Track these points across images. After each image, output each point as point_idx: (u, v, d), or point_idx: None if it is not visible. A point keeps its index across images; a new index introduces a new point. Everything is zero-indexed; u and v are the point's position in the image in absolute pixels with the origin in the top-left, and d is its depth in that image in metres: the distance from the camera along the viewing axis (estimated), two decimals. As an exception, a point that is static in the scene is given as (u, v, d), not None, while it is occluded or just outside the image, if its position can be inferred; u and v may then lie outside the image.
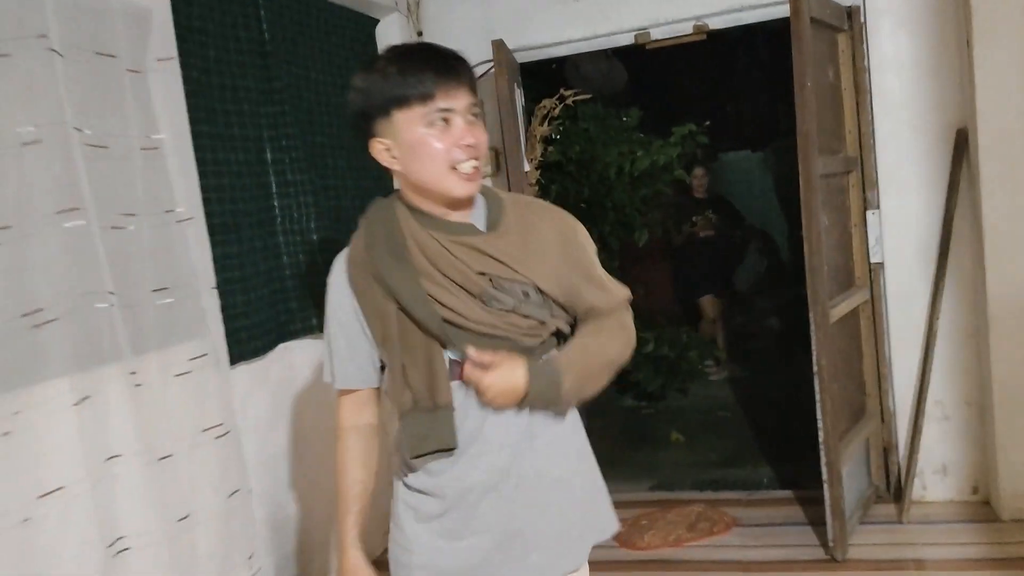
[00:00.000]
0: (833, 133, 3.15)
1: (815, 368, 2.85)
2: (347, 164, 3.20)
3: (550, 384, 1.46)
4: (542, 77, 4.67)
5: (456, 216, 1.48)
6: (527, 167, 3.31)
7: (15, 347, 1.78)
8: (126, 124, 2.11)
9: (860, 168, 3.28)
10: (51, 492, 1.85)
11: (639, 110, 5.13)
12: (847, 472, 3.06)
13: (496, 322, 1.44)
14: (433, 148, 1.39)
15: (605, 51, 4.37)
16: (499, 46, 3.14)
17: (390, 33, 3.54)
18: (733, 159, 7.66)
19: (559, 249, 1.50)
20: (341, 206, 3.10)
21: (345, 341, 1.53)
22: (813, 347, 2.84)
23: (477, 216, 1.51)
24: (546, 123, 3.34)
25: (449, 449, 1.47)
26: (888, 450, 3.42)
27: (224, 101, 2.58)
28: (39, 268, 1.82)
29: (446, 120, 1.39)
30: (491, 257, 1.45)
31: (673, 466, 4.20)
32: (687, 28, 3.43)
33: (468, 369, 1.44)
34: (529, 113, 3.75)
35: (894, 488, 3.38)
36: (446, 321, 1.44)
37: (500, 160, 3.44)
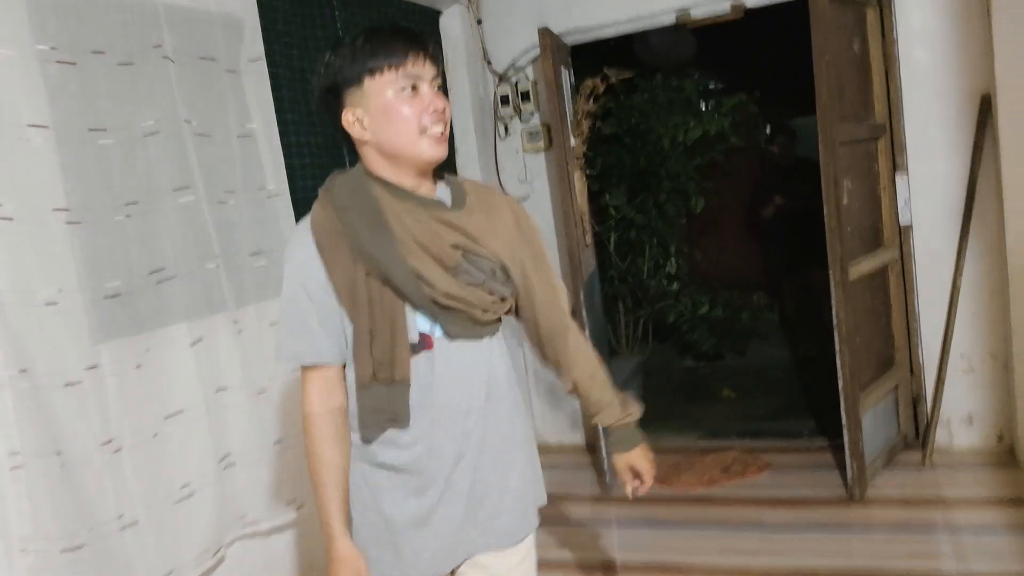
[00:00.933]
0: (861, 102, 3.36)
1: (834, 322, 3.11)
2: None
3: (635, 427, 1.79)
4: (600, 55, 4.96)
5: (424, 191, 1.54)
6: (573, 142, 3.64)
7: (145, 298, 2.25)
8: (226, 116, 2.56)
9: (890, 134, 3.49)
10: (175, 414, 2.33)
11: (696, 81, 5.35)
12: (872, 420, 3.32)
13: (461, 294, 1.49)
14: (404, 112, 1.45)
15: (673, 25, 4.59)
16: (544, 33, 3.46)
17: (453, 23, 3.90)
18: (803, 123, 7.75)
19: (516, 232, 1.60)
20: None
21: (317, 315, 1.50)
22: (833, 303, 3.10)
23: (442, 195, 1.58)
24: (591, 100, 3.65)
25: (400, 424, 1.51)
26: (917, 401, 3.64)
27: (305, 92, 3.00)
28: (162, 235, 2.29)
29: (415, 88, 1.46)
30: (463, 232, 1.51)
31: (721, 419, 4.49)
32: (725, 7, 3.68)
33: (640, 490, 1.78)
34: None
35: (922, 437, 3.61)
36: None
37: (551, 135, 3.78)
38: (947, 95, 3.38)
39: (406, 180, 1.51)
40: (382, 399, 1.50)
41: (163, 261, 2.30)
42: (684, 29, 5.54)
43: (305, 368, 1.55)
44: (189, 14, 2.46)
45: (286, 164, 2.86)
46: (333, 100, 1.51)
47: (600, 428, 1.76)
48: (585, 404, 1.77)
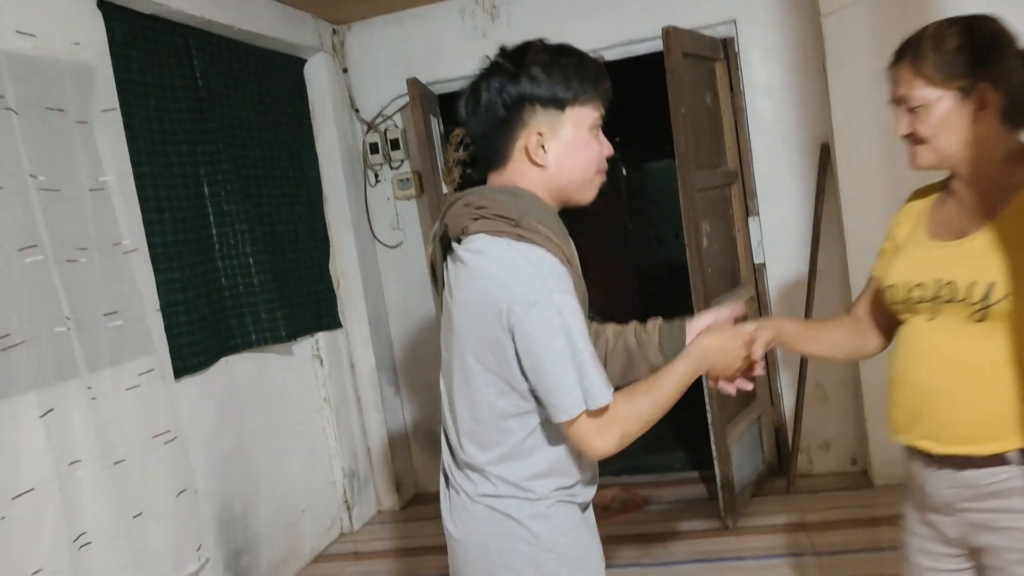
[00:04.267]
0: (714, 150, 3.56)
1: (701, 358, 3.24)
2: (280, 193, 3.52)
3: None
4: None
5: None
6: (445, 189, 3.66)
7: (-13, 368, 2.07)
8: (76, 169, 2.41)
9: (742, 180, 3.71)
10: (24, 493, 2.14)
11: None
12: (739, 451, 3.47)
13: None
14: (593, 151, 1.43)
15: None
16: (413, 83, 3.49)
17: (318, 72, 3.87)
18: (656, 168, 8.14)
19: None
20: (274, 231, 3.42)
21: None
22: (698, 340, 3.23)
23: None
24: (460, 148, 3.69)
25: None
26: (779, 430, 3.84)
27: (163, 143, 2.88)
28: (6, 298, 2.12)
29: (599, 128, 1.46)
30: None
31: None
32: (585, 59, 3.82)
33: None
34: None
35: (786, 464, 3.80)
36: None
37: (422, 183, 3.79)
38: (791, 143, 3.64)
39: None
40: None
41: (7, 326, 2.12)
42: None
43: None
44: (34, 63, 2.32)
45: (144, 219, 2.73)
46: (518, 112, 1.39)
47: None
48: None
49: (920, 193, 1.64)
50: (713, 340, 1.53)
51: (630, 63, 3.79)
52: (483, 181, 1.49)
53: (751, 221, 3.71)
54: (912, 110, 1.43)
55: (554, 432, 1.41)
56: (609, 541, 3.43)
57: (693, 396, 3.25)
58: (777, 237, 3.72)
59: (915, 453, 1.52)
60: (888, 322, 1.63)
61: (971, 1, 1.98)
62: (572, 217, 1.49)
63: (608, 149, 1.46)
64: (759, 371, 1.62)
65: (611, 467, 4.31)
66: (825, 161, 3.57)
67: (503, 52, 1.43)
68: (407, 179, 4.00)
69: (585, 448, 1.37)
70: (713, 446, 3.30)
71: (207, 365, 3.01)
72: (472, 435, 1.44)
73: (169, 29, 2.95)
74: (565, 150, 1.40)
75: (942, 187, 1.57)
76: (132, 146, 2.69)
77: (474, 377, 1.40)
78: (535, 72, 1.37)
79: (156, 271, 2.75)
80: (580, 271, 1.43)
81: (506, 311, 1.31)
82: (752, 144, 3.68)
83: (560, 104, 1.38)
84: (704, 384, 3.25)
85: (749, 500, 3.53)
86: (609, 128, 1.48)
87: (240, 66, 3.34)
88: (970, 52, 1.38)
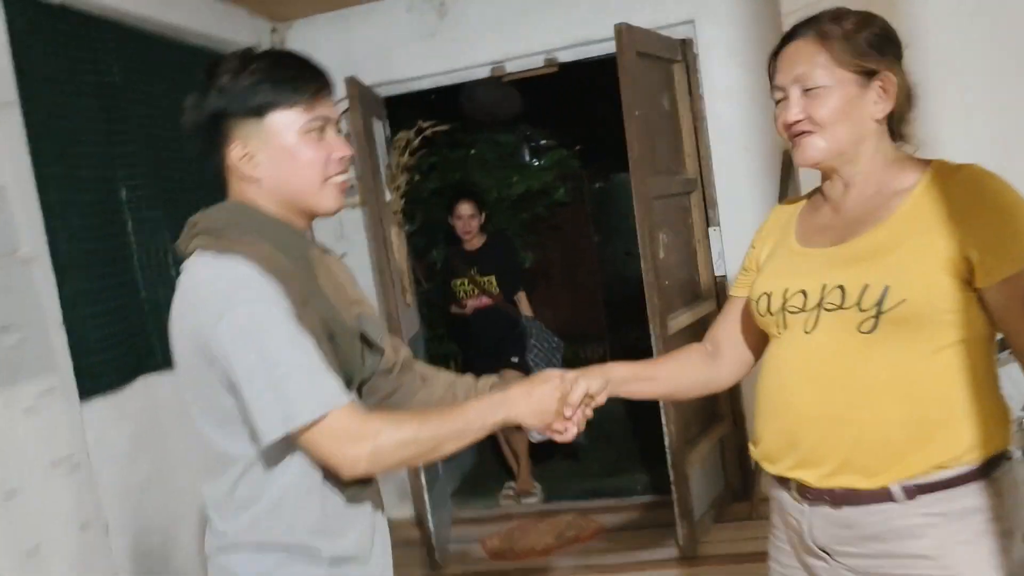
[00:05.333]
0: (672, 156, 3.39)
1: (657, 377, 3.04)
2: (211, 200, 3.27)
3: None
4: (427, 106, 4.83)
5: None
6: (389, 197, 3.46)
7: None
8: (-39, 169, 2.17)
9: (702, 188, 3.54)
10: None
11: (521, 135, 5.35)
12: (700, 475, 3.27)
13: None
14: (310, 156, 1.30)
15: (498, 78, 4.56)
16: (352, 83, 3.28)
17: (254, 71, 3.64)
18: (623, 179, 7.99)
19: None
20: (202, 240, 3.18)
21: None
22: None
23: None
24: (407, 154, 3.49)
25: None
26: (742, 451, 3.66)
27: (72, 143, 2.63)
28: None
29: (321, 130, 1.32)
30: (358, 287, 1.47)
31: (558, 479, 4.36)
32: (539, 61, 3.64)
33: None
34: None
35: (749, 487, 3.61)
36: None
37: (362, 191, 3.58)
38: (752, 150, 3.48)
39: (298, 223, 1.35)
40: None
41: None
42: (509, 85, 5.59)
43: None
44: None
45: (46, 225, 2.48)
46: (216, 127, 1.30)
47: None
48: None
49: (780, 211, 1.53)
50: (520, 388, 1.41)
51: (592, 69, 3.62)
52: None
53: (711, 231, 3.54)
54: (808, 92, 1.28)
55: (288, 470, 1.24)
56: (564, 572, 3.27)
57: (653, 416, 2.95)
58: (739, 248, 3.49)
59: (788, 485, 1.33)
60: (754, 343, 1.47)
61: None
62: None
63: (341, 150, 1.33)
64: (573, 424, 1.47)
65: (567, 491, 4.11)
66: (788, 169, 3.41)
67: (205, 66, 1.34)
68: (352, 186, 3.79)
69: (328, 463, 1.21)
70: (671, 471, 3.10)
71: (121, 385, 2.76)
72: (205, 476, 1.30)
73: (80, 20, 2.72)
74: (276, 159, 1.29)
75: (808, 197, 1.46)
76: (34, 145, 2.45)
77: (192, 410, 1.28)
78: (224, 83, 1.28)
79: (60, 283, 2.50)
80: (324, 284, 1.31)
81: (198, 330, 1.21)
82: (712, 151, 3.52)
83: (258, 112, 1.28)
84: (661, 405, 3.07)
85: (710, 527, 3.34)
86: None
87: (164, 63, 3.11)
88: (877, 35, 1.28)
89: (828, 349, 1.26)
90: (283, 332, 1.18)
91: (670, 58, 3.39)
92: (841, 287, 1.24)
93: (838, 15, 1.31)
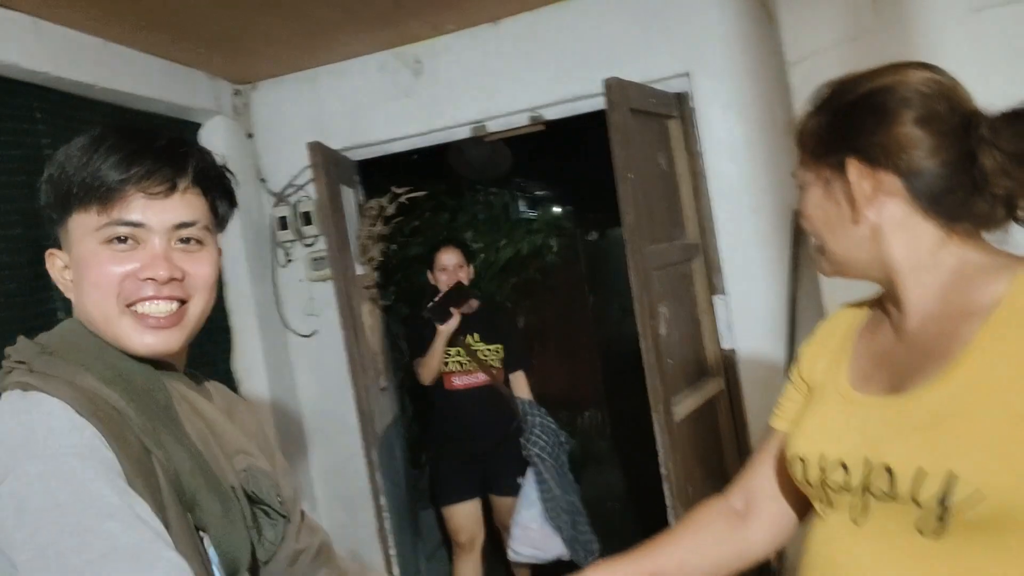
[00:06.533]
0: (671, 220, 3.09)
1: (663, 472, 2.70)
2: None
3: None
4: (411, 169, 4.55)
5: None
6: (360, 270, 3.14)
7: None
8: None
9: (704, 254, 3.22)
10: None
11: (512, 194, 5.07)
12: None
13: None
14: (96, 275, 0.98)
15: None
16: (316, 148, 2.99)
17: (215, 138, 3.35)
18: (618, 234, 7.72)
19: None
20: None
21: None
22: (659, 451, 2.69)
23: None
24: (379, 222, 3.19)
25: None
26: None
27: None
28: None
29: (132, 239, 0.99)
30: (242, 435, 1.11)
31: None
32: (523, 119, 3.36)
33: None
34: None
35: (769, 582, 3.23)
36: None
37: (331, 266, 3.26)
38: (759, 211, 3.17)
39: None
40: None
41: None
42: (498, 141, 5.34)
43: None
44: None
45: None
46: (48, 234, 1.06)
47: None
48: None
49: (841, 317, 1.15)
50: None
51: (584, 123, 3.33)
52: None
53: (717, 300, 3.21)
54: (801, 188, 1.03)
55: None
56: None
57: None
58: (748, 318, 3.21)
59: None
60: (800, 498, 1.11)
61: (949, 44, 1.65)
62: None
63: (152, 268, 0.97)
64: None
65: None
66: (799, 230, 3.10)
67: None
68: (322, 258, 3.48)
69: None
70: None
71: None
72: None
73: (6, 88, 2.43)
74: (76, 275, 1.00)
75: (877, 303, 1.08)
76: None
77: None
78: (48, 172, 1.01)
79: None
80: (191, 429, 0.98)
81: None
82: (715, 212, 3.20)
83: (57, 213, 1.01)
84: (667, 499, 2.72)
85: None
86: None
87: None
88: (840, 116, 0.96)
89: (880, 555, 0.90)
90: (96, 498, 0.79)
91: (666, 113, 3.10)
92: (888, 468, 0.88)
93: (814, 94, 1.02)
